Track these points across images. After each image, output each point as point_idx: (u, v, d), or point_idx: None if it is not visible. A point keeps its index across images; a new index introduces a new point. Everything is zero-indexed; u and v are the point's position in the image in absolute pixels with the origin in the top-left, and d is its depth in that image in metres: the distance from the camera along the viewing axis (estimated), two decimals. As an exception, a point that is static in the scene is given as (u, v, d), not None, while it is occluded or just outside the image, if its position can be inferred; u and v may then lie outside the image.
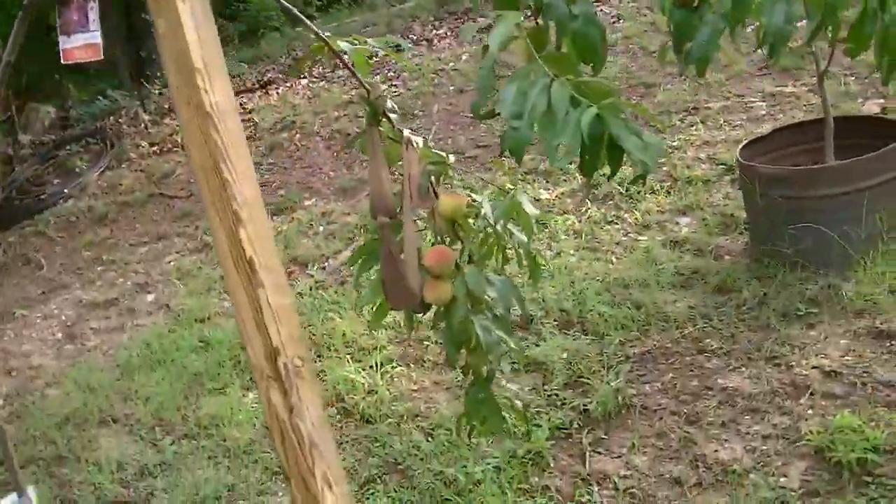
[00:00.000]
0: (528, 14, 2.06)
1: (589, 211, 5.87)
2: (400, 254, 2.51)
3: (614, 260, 5.20)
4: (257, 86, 11.20)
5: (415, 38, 11.03)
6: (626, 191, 5.99)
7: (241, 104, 10.67)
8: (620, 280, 4.87)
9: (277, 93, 10.75)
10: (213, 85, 2.29)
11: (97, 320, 6.53)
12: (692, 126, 6.72)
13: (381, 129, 2.59)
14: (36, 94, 12.30)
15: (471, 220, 2.63)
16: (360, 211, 6.97)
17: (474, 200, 2.62)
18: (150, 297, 6.67)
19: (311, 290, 5.94)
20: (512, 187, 2.50)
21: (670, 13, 2.06)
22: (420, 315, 2.64)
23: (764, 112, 6.68)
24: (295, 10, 2.48)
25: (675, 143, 6.52)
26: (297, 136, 9.23)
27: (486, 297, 2.51)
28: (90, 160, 9.92)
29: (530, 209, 2.51)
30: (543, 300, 4.88)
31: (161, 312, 6.30)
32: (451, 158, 2.56)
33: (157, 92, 11.31)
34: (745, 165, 4.65)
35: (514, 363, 4.36)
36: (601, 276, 4.99)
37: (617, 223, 5.67)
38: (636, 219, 5.61)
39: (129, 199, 8.86)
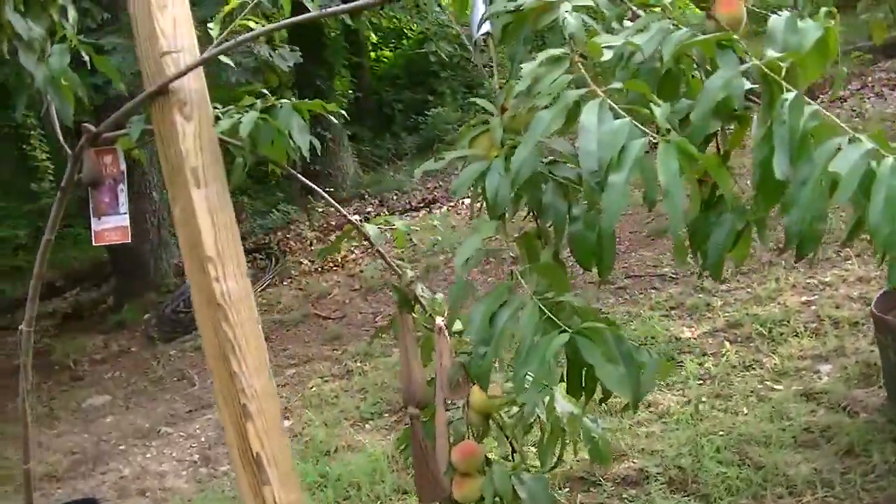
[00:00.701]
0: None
1: (727, 353, 5.57)
2: (432, 446, 2.40)
3: (745, 411, 4.88)
4: (422, 204, 11.34)
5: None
6: (769, 332, 5.68)
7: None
8: (745, 436, 4.55)
9: (440, 212, 10.82)
10: (225, 273, 2.27)
11: (233, 444, 6.60)
12: (847, 260, 6.35)
13: (414, 315, 2.50)
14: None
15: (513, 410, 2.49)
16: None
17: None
18: (286, 424, 6.70)
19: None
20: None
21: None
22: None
23: (928, 246, 6.24)
24: (313, 185, 2.43)
25: (826, 279, 6.17)
26: (453, 259, 9.23)
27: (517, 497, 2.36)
28: (254, 275, 10.19)
29: (562, 406, 2.35)
30: (662, 455, 4.61)
31: (292, 441, 6.31)
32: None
33: (320, 210, 11.58)
34: (877, 317, 4.30)
35: (619, 526, 4.14)
36: (726, 429, 4.68)
37: (754, 368, 5.35)
38: (775, 364, 5.28)
39: (285, 318, 9.04)
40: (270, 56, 7.92)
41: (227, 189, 2.31)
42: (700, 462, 4.43)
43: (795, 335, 5.55)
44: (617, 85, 1.56)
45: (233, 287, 2.26)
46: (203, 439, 6.83)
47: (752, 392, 5.07)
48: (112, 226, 2.39)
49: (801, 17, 1.69)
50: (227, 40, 2.27)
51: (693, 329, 6.08)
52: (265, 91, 2.43)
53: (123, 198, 2.39)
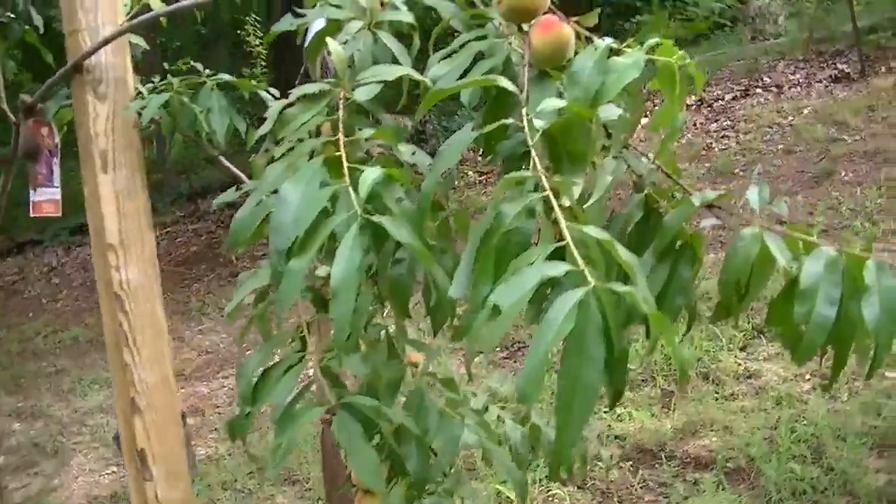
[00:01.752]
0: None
1: None
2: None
3: (844, 397, 4.48)
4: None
5: (768, 81, 10.22)
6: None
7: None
8: (827, 428, 4.17)
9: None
10: (127, 261, 2.20)
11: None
12: None
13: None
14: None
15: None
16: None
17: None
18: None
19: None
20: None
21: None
22: None
23: None
24: (239, 172, 2.31)
25: None
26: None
27: None
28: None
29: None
30: (739, 437, 4.31)
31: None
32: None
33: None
34: None
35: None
36: (814, 418, 4.30)
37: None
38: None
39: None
40: None
41: (142, 174, 2.23)
42: (771, 453, 4.11)
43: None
44: (367, 133, 1.35)
45: (133, 276, 2.20)
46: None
47: (859, 374, 4.65)
48: (47, 198, 2.37)
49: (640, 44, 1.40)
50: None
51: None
52: (198, 67, 2.32)
53: (57, 171, 2.36)
